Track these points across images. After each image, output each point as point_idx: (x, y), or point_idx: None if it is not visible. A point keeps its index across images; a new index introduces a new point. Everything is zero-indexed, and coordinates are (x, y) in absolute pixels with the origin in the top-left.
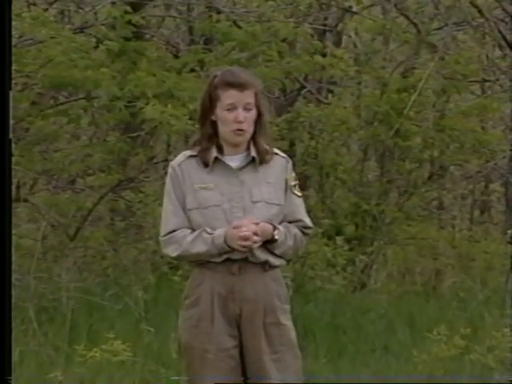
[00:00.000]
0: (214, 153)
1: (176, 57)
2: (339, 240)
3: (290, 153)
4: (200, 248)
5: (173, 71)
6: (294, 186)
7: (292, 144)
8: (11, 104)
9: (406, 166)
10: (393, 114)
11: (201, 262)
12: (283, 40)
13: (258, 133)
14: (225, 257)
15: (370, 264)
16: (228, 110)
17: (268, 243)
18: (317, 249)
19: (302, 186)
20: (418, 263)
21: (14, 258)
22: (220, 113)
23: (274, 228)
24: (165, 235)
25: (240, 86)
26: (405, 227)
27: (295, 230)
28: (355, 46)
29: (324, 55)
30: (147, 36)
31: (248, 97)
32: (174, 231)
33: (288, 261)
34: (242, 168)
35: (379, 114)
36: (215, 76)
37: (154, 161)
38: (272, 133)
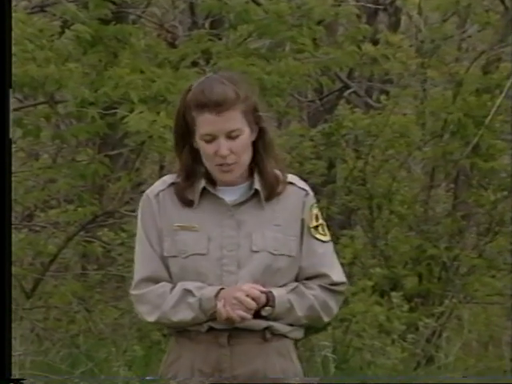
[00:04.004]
0: (201, 183)
1: (172, 46)
2: (396, 297)
3: (329, 177)
4: (184, 315)
5: (167, 66)
6: (316, 227)
7: (331, 165)
8: (11, 103)
9: (488, 195)
10: (470, 123)
11: (179, 329)
12: (319, 23)
13: (264, 156)
14: (208, 325)
15: (440, 330)
16: (206, 141)
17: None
18: (365, 309)
19: (342, 224)
20: (505, 329)
21: None
22: (199, 142)
23: (268, 299)
24: (134, 288)
25: (216, 108)
26: (487, 279)
27: (312, 295)
28: (418, 31)
29: (375, 43)
30: (132, 17)
31: (231, 121)
32: (149, 283)
33: (322, 328)
34: (240, 204)
35: (451, 124)
36: (189, 89)
37: (142, 188)
38: (303, 149)
